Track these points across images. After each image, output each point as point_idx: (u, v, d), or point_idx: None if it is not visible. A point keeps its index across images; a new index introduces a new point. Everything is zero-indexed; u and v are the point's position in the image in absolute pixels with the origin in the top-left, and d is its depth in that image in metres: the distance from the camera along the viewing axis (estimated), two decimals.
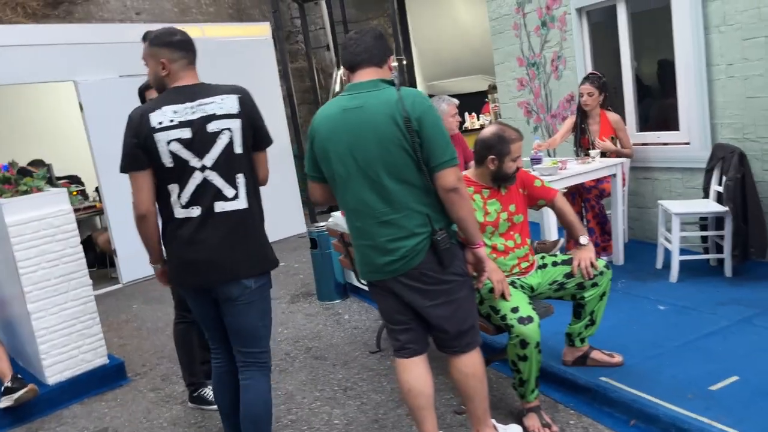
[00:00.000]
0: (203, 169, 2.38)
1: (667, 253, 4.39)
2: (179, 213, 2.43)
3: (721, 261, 4.27)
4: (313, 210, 8.72)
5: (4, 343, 3.97)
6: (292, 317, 4.95)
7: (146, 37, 2.59)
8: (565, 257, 3.03)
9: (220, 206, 2.41)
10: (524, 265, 2.99)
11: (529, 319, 2.69)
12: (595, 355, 3.13)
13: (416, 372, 2.49)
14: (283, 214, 8.20)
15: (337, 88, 11.63)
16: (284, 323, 4.82)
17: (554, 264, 3.03)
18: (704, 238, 4.44)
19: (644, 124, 5.16)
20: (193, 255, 2.43)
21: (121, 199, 6.65)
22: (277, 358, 4.13)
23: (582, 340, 3.12)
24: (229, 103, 2.41)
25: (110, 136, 6.69)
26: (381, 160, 2.26)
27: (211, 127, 2.38)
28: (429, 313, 2.41)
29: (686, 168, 4.70)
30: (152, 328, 5.19)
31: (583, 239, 2.98)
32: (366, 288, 4.97)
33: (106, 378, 4.04)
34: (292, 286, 5.85)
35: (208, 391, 3.55)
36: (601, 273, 2.95)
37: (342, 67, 2.42)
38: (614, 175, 4.61)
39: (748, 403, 2.58)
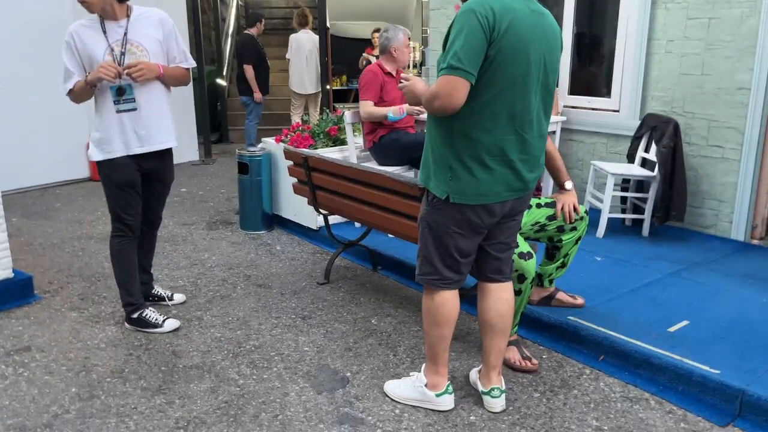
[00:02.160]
0: None
1: (592, 212, 4.69)
2: None
3: (635, 221, 4.67)
4: (207, 137, 8.18)
5: None
6: (216, 244, 4.62)
7: None
8: (549, 200, 3.10)
9: None
10: None
11: (529, 255, 2.75)
12: (561, 296, 3.28)
13: (458, 301, 2.44)
14: (178, 139, 7.55)
15: (234, 12, 10.90)
16: (209, 249, 4.50)
17: (538, 206, 3.09)
18: (623, 200, 4.81)
19: (575, 88, 5.41)
20: None
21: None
22: (214, 283, 3.85)
23: (551, 281, 3.26)
24: None
25: None
26: (557, 70, 2.24)
27: None
28: (514, 230, 2.43)
29: (612, 134, 5.02)
30: (46, 245, 4.59)
31: (568, 184, 3.06)
32: (296, 220, 4.79)
33: (11, 293, 3.52)
34: (204, 213, 5.46)
35: (150, 313, 3.23)
36: (582, 218, 3.07)
37: None
38: (553, 132, 4.80)
39: (708, 343, 2.86)
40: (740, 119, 4.24)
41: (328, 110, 5.38)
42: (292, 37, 7.84)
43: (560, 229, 3.06)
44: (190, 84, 7.62)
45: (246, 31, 7.58)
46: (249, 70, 7.28)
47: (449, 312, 2.40)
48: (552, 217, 3.04)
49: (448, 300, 2.40)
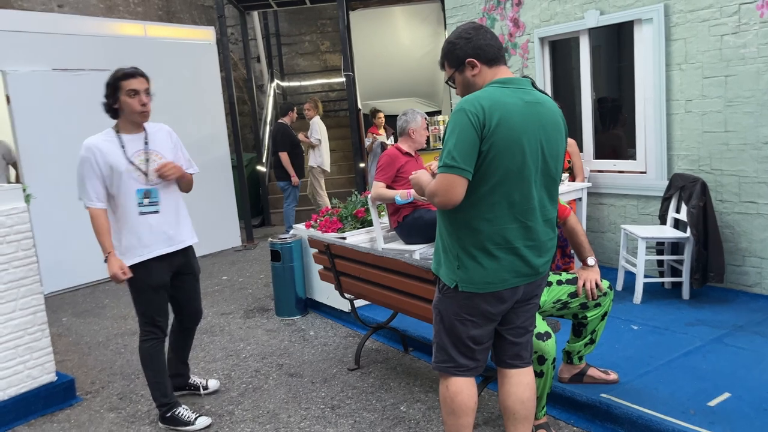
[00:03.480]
0: None
1: (628, 276, 4.59)
2: None
3: (675, 284, 4.52)
4: (249, 223, 8.44)
5: None
6: (251, 333, 4.70)
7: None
8: (570, 276, 3.06)
9: None
10: None
11: (548, 335, 2.70)
12: (592, 372, 3.18)
13: (475, 389, 2.41)
14: (220, 226, 7.87)
15: (271, 101, 11.44)
16: (245, 339, 4.58)
17: (559, 283, 3.05)
18: (660, 262, 4.69)
19: (600, 153, 5.40)
20: None
21: (45, 200, 6.12)
22: (247, 375, 3.90)
23: (580, 358, 3.17)
24: None
25: (39, 132, 6.21)
26: (559, 157, 2.27)
27: None
28: (532, 313, 2.40)
29: (642, 195, 4.96)
30: (92, 343, 4.76)
31: (591, 260, 3.01)
32: (329, 303, 4.86)
33: (54, 397, 3.65)
34: (243, 301, 5.58)
35: (182, 411, 3.29)
36: (605, 294, 3.00)
37: (475, 58, 2.22)
38: (580, 199, 4.78)
39: (750, 419, 2.70)
40: None
41: (356, 192, 5.51)
42: (317, 121, 8.07)
43: (584, 306, 3.00)
44: (230, 169, 8.03)
45: (279, 120, 7.92)
46: (284, 157, 7.58)
47: (465, 401, 2.35)
48: (574, 294, 2.99)
49: (464, 388, 2.35)
